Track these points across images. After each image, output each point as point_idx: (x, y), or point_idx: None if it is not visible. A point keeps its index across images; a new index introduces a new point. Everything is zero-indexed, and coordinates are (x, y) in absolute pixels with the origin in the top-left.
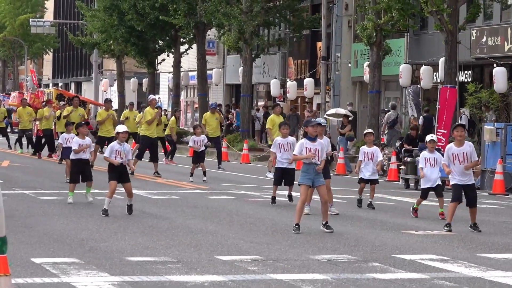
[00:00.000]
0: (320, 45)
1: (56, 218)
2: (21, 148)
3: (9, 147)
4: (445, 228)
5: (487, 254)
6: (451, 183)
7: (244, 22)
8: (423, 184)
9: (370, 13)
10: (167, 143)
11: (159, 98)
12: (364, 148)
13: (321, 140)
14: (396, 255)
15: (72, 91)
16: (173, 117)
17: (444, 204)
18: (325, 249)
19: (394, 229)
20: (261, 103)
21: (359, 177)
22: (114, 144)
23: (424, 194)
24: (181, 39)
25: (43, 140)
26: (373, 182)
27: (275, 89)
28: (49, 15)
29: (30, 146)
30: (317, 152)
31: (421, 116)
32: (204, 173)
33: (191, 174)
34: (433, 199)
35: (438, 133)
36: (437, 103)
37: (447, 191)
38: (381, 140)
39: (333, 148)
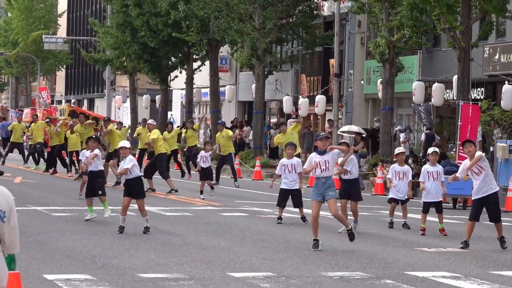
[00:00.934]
0: (332, 62)
1: (68, 234)
2: (36, 164)
3: (24, 163)
4: (461, 245)
5: (500, 272)
6: (472, 198)
7: (257, 39)
8: (425, 198)
9: (382, 30)
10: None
11: (171, 115)
12: (395, 167)
13: (329, 152)
14: (409, 272)
15: (84, 107)
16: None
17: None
18: (337, 266)
19: (406, 246)
20: (273, 120)
21: (390, 196)
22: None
23: (426, 208)
24: (194, 56)
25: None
26: (404, 202)
27: (287, 106)
28: (62, 32)
29: (41, 160)
30: (326, 162)
31: (423, 133)
32: (212, 187)
33: (201, 192)
34: (452, 216)
35: (461, 151)
36: (459, 120)
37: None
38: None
39: None
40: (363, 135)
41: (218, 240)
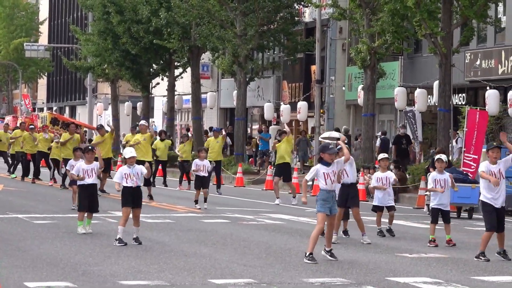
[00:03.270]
0: (314, 68)
1: (49, 241)
2: (12, 172)
3: (8, 172)
4: (481, 257)
5: (481, 277)
6: (484, 208)
7: (238, 46)
8: (433, 203)
9: (364, 36)
10: (160, 167)
11: (153, 121)
12: (378, 174)
13: (335, 161)
14: (390, 278)
15: (66, 115)
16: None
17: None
18: (318, 272)
19: (388, 252)
20: (255, 126)
21: (373, 204)
22: (123, 167)
23: (435, 217)
24: (176, 63)
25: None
26: (390, 208)
27: (269, 113)
28: (43, 39)
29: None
30: (333, 172)
31: (378, 138)
32: (205, 199)
33: (196, 202)
34: (429, 221)
35: (466, 158)
36: (465, 126)
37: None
38: (375, 163)
39: None
40: (345, 141)
41: (199, 247)
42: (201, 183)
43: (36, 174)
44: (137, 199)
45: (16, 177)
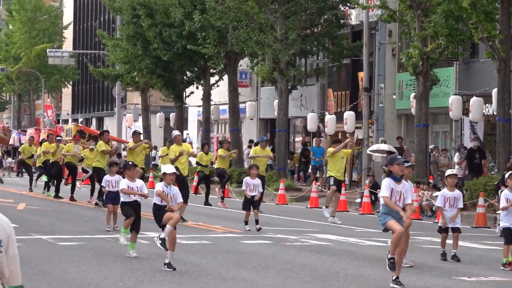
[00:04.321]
0: (361, 75)
1: (76, 265)
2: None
3: (30, 189)
4: None
5: None
6: None
7: (279, 51)
8: (506, 224)
9: (415, 40)
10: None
11: (187, 134)
12: (445, 193)
13: (406, 182)
14: None
15: (93, 127)
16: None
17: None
18: None
19: (444, 275)
20: (298, 138)
21: (439, 225)
22: (161, 185)
23: (508, 237)
24: (211, 70)
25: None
26: (455, 230)
27: (312, 124)
28: (67, 45)
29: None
30: (401, 196)
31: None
32: (257, 221)
33: (245, 223)
34: (489, 242)
35: None
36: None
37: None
38: (430, 178)
39: (377, 186)
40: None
41: (239, 270)
42: (252, 204)
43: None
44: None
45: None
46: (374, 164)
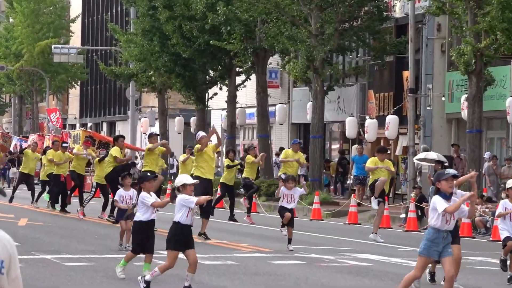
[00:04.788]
0: (407, 74)
1: None
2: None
3: (32, 202)
4: None
5: None
6: None
7: (313, 47)
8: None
9: (467, 35)
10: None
11: (210, 141)
12: (507, 203)
13: (455, 198)
14: None
15: (104, 133)
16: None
17: None
18: None
19: None
20: (335, 146)
21: (504, 235)
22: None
23: None
24: (237, 69)
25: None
26: None
27: (351, 129)
28: (75, 41)
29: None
30: (451, 216)
31: None
32: (290, 240)
33: (289, 241)
34: None
35: None
36: None
37: None
38: (484, 190)
39: (424, 200)
40: (445, 164)
41: None
42: (290, 218)
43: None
44: (190, 239)
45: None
46: (422, 174)
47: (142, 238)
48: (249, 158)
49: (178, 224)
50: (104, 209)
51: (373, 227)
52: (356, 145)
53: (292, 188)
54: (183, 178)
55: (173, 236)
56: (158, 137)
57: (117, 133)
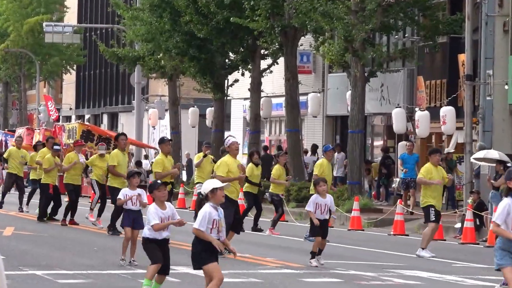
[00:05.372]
0: (463, 58)
1: None
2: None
3: (20, 209)
4: None
5: None
6: None
7: (353, 26)
8: None
9: None
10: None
11: (229, 136)
12: None
13: None
14: None
15: (104, 126)
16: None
17: None
18: None
19: None
20: (378, 142)
21: None
22: (209, 210)
23: None
24: (262, 51)
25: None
26: None
27: (398, 122)
28: (70, 18)
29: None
30: None
31: None
32: (320, 251)
33: (313, 254)
34: None
35: None
36: None
37: None
38: None
39: (483, 207)
40: (508, 164)
41: None
42: (323, 228)
43: (73, 212)
44: (217, 253)
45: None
46: (481, 176)
47: (157, 253)
48: (278, 169)
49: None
50: (99, 214)
51: (422, 241)
52: (406, 142)
53: (325, 193)
54: (211, 183)
55: (203, 251)
56: (171, 143)
57: (119, 127)
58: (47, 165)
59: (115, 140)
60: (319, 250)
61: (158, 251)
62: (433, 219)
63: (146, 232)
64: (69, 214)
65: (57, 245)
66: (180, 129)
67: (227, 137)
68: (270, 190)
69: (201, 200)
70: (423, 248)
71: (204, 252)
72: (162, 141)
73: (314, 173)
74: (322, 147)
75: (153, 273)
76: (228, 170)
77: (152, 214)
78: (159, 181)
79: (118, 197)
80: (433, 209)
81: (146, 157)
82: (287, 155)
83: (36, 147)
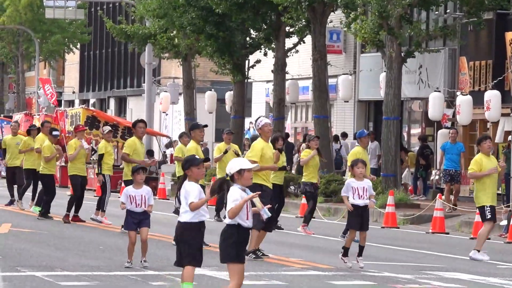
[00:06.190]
0: (510, 36)
1: None
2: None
3: (11, 202)
4: None
5: None
6: None
7: (388, 0)
8: None
9: None
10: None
11: (250, 123)
12: None
13: None
14: None
15: (111, 112)
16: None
17: None
18: None
19: None
20: (415, 130)
21: None
22: (239, 192)
23: None
24: (287, 28)
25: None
26: None
27: (437, 108)
28: None
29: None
30: None
31: None
32: (361, 250)
33: (345, 251)
34: None
35: None
36: None
37: None
38: None
39: None
40: None
41: None
42: (362, 217)
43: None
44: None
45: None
46: None
47: (192, 243)
48: (307, 152)
49: (237, 227)
50: (99, 208)
51: (477, 242)
52: (449, 130)
53: (362, 175)
54: (237, 162)
55: (235, 244)
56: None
57: (128, 112)
58: (48, 153)
59: (133, 128)
60: (360, 247)
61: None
62: (489, 217)
63: (182, 215)
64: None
65: (58, 244)
66: (195, 115)
67: (258, 117)
68: (303, 180)
69: (221, 182)
70: (478, 250)
71: (236, 248)
72: (196, 126)
73: (349, 159)
74: (356, 133)
75: (191, 275)
76: (262, 156)
77: (189, 193)
78: (197, 157)
79: (121, 200)
80: (488, 207)
81: (168, 145)
82: (319, 139)
83: (29, 132)
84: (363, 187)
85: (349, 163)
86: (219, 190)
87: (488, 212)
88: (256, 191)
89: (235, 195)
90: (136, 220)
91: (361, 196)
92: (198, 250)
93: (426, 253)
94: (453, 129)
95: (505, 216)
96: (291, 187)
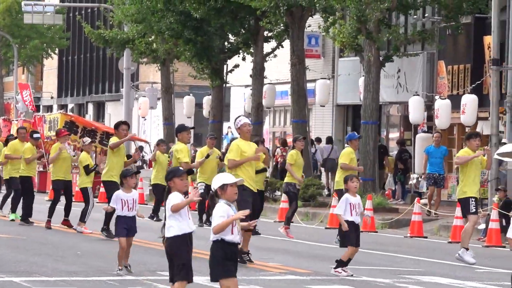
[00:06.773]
0: (489, 40)
1: None
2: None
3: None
4: None
5: None
6: None
7: (366, 4)
8: None
9: None
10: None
11: (228, 128)
12: None
13: None
14: None
15: (89, 116)
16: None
17: None
18: None
19: None
20: (394, 134)
21: None
22: (226, 207)
23: None
24: (266, 33)
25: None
26: None
27: (416, 112)
28: None
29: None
30: None
31: None
32: (349, 261)
33: (340, 263)
34: None
35: None
36: None
37: None
38: None
39: (510, 206)
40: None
41: None
42: (356, 233)
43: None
44: (237, 264)
45: (16, 218)
46: (508, 173)
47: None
48: (293, 155)
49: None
50: (82, 218)
51: (463, 240)
52: (433, 134)
53: (355, 191)
54: (220, 178)
55: (222, 259)
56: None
57: (106, 117)
58: (29, 154)
59: (115, 129)
60: (349, 260)
61: (185, 259)
62: (473, 210)
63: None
64: (53, 214)
65: (36, 249)
66: (173, 119)
67: (238, 116)
68: (285, 180)
69: (212, 196)
70: (466, 249)
71: (222, 264)
72: (183, 128)
73: (340, 162)
74: (346, 136)
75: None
76: (241, 154)
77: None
78: (180, 168)
79: (111, 204)
80: (473, 200)
81: (141, 150)
82: (305, 140)
83: (7, 141)
84: (358, 203)
85: (341, 161)
86: (212, 203)
87: (473, 205)
88: (237, 192)
89: (220, 211)
90: (127, 226)
91: (357, 212)
92: (188, 265)
93: (404, 257)
94: (437, 133)
95: (483, 220)
96: (267, 192)
